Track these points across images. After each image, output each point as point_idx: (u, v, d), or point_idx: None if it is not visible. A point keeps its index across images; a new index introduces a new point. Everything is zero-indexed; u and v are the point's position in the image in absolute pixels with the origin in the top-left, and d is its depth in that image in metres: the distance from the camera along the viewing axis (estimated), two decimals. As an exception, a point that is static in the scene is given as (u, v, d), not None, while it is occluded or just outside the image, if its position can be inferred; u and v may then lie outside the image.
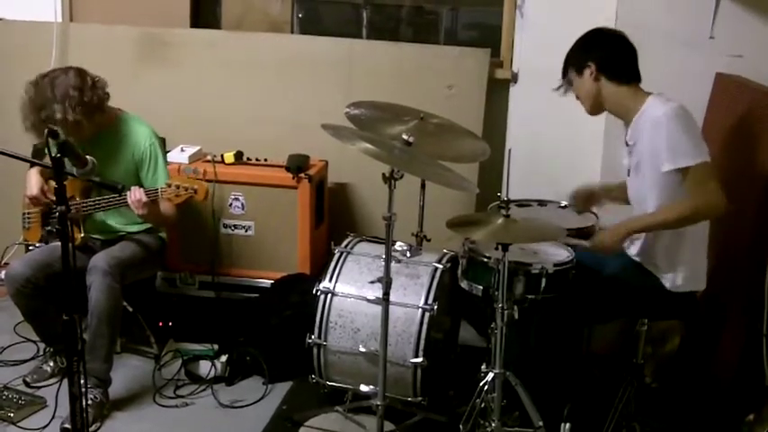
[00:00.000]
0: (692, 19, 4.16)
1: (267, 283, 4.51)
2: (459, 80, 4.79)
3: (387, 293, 3.25)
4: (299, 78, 4.96)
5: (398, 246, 3.82)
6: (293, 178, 4.44)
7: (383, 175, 3.15)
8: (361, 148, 3.06)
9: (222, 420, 3.89)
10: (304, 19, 5.34)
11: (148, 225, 4.15)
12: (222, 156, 4.60)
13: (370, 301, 3.65)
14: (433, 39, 5.23)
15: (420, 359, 3.59)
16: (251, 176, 4.52)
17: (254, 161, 4.66)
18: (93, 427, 3.71)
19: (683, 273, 3.34)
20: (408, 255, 3.82)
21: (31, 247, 4.11)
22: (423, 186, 4.04)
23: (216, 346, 4.27)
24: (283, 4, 5.33)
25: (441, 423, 3.69)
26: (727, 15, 4.11)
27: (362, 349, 3.65)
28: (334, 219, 4.91)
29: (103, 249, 3.99)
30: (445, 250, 3.90)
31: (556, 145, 4.69)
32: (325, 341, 3.71)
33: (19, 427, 3.69)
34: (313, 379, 3.81)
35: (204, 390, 4.09)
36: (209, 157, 4.60)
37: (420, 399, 3.66)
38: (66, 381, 2.84)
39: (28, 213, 4.14)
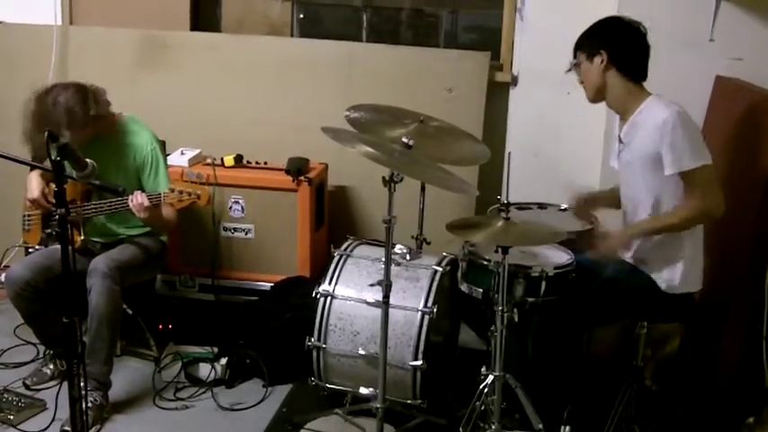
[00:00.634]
0: (692, 21, 4.16)
1: (267, 285, 4.51)
2: (459, 83, 4.79)
3: (387, 296, 3.25)
4: (299, 81, 4.96)
5: (398, 249, 3.82)
6: (293, 181, 4.44)
7: (383, 178, 3.16)
8: (361, 151, 3.06)
9: (222, 423, 3.89)
10: (304, 22, 5.35)
11: (148, 228, 4.15)
12: (222, 159, 4.60)
13: (370, 304, 3.65)
14: (432, 42, 5.24)
15: (419, 362, 3.59)
16: (251, 179, 4.53)
17: (253, 164, 4.66)
18: (92, 430, 3.71)
19: (679, 274, 3.34)
20: (408, 258, 3.82)
21: (30, 250, 4.11)
22: (423, 189, 4.05)
23: (216, 349, 4.27)
24: (283, 7, 5.34)
25: (440, 426, 3.69)
26: (728, 18, 4.11)
27: (362, 352, 3.65)
28: (334, 222, 4.91)
29: (103, 252, 3.99)
30: (445, 253, 3.91)
31: (556, 147, 4.69)
32: (325, 344, 3.71)
33: (19, 429, 3.68)
34: (312, 381, 3.81)
35: (204, 392, 4.09)
36: (208, 160, 4.60)
37: (419, 401, 3.66)
38: (66, 383, 2.84)
39: (28, 215, 4.14)
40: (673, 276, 3.35)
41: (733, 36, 4.13)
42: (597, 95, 3.44)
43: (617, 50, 3.35)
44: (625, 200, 3.52)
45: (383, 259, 3.30)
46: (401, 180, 3.17)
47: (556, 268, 3.33)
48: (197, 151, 4.66)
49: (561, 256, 3.47)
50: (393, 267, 3.52)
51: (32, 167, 3.91)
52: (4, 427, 3.69)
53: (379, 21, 5.29)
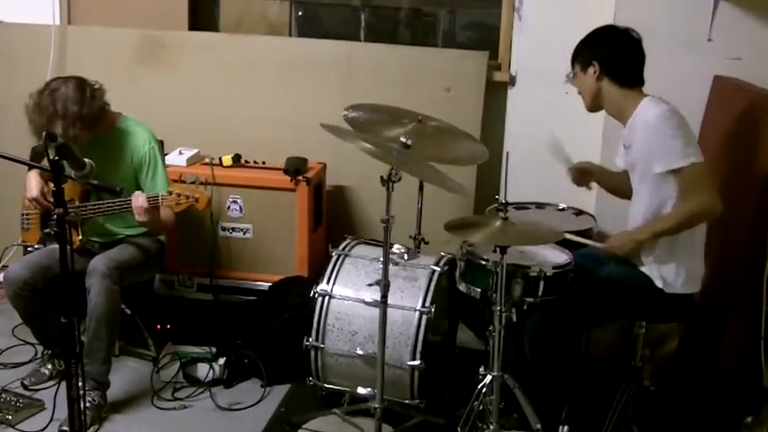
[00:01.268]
0: (691, 21, 4.16)
1: (265, 285, 4.51)
2: (457, 82, 4.79)
3: (385, 296, 3.25)
4: (298, 81, 4.95)
5: (396, 248, 3.82)
6: (291, 181, 4.44)
7: (381, 177, 3.16)
8: (361, 146, 3.06)
9: (220, 423, 3.88)
10: (302, 21, 5.34)
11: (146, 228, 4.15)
12: (220, 158, 4.60)
13: (368, 304, 3.66)
14: (431, 41, 5.23)
15: (417, 362, 3.59)
16: (249, 179, 4.52)
17: (252, 164, 4.66)
18: (91, 430, 3.71)
19: (679, 274, 3.34)
20: (406, 257, 3.83)
21: (29, 249, 4.11)
22: (421, 189, 4.05)
23: (214, 349, 4.27)
24: (281, 7, 5.33)
25: (439, 425, 3.69)
26: (726, 18, 4.11)
27: (360, 352, 3.65)
28: (333, 221, 4.91)
29: (102, 252, 3.99)
30: (443, 253, 3.91)
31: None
32: (323, 344, 3.71)
33: (17, 429, 3.68)
34: (310, 381, 3.81)
35: (202, 392, 4.09)
36: (207, 160, 4.60)
37: (417, 401, 3.66)
38: (64, 383, 2.84)
39: (27, 215, 4.14)
40: (672, 277, 3.35)
41: (731, 36, 4.13)
42: (594, 104, 3.47)
43: (608, 60, 3.38)
44: (633, 204, 3.52)
45: (381, 259, 3.30)
46: (399, 179, 3.17)
47: (554, 268, 3.33)
48: (195, 151, 4.66)
49: (559, 256, 3.46)
50: (391, 267, 3.52)
51: (31, 167, 3.91)
52: (3, 428, 3.69)
53: (377, 20, 5.28)
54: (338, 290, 3.75)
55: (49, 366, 4.14)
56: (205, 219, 4.49)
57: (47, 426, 3.67)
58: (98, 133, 3.93)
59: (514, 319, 3.27)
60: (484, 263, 3.36)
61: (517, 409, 3.36)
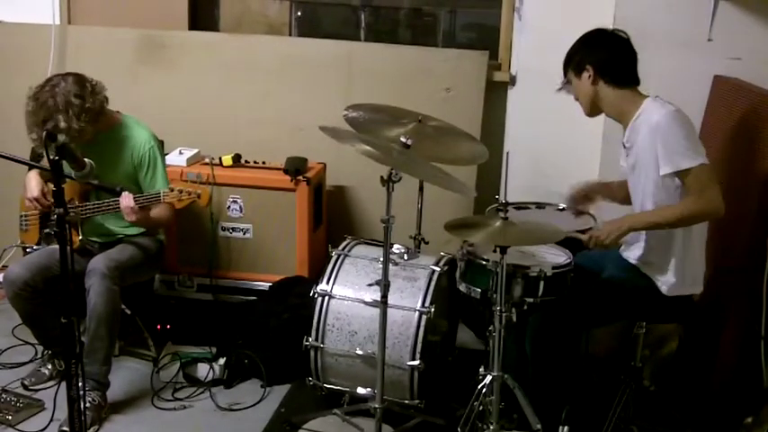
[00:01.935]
0: (691, 21, 4.16)
1: (265, 285, 4.51)
2: (457, 82, 4.79)
3: (385, 296, 3.25)
4: (298, 81, 4.95)
5: (396, 248, 3.82)
6: (291, 181, 4.44)
7: (381, 177, 3.16)
8: (360, 149, 3.06)
9: (220, 423, 3.88)
10: (302, 21, 5.34)
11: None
12: (220, 158, 4.60)
13: (368, 304, 3.66)
14: (431, 41, 5.23)
15: (417, 362, 3.59)
16: (249, 179, 4.52)
17: (252, 164, 4.66)
18: (91, 430, 3.70)
19: (679, 276, 3.34)
20: (406, 257, 3.83)
21: (28, 249, 4.11)
22: (421, 189, 4.05)
23: (214, 349, 4.27)
24: (281, 6, 5.33)
25: (439, 426, 3.69)
26: (726, 18, 4.11)
27: (359, 352, 3.65)
28: (333, 222, 4.91)
29: (102, 252, 3.99)
30: (443, 253, 3.91)
31: (554, 147, 4.69)
32: (323, 344, 3.72)
33: (17, 429, 3.68)
34: (310, 381, 3.81)
35: (202, 392, 4.09)
36: (207, 160, 4.60)
37: (417, 401, 3.66)
38: (64, 383, 2.84)
39: (26, 215, 4.14)
40: (673, 278, 3.34)
41: (731, 36, 4.12)
42: (593, 109, 3.46)
43: (602, 62, 3.37)
44: (633, 203, 3.52)
45: (381, 259, 3.30)
46: (399, 180, 3.17)
47: (554, 268, 3.32)
48: (195, 151, 4.66)
49: (560, 257, 3.46)
50: (391, 267, 3.52)
51: (31, 167, 3.91)
52: (3, 428, 3.68)
53: (377, 20, 5.29)
54: (338, 290, 3.75)
55: (49, 366, 4.14)
56: (205, 219, 4.49)
57: (47, 426, 3.67)
58: (98, 131, 3.93)
59: (514, 319, 3.26)
60: (484, 263, 3.35)
61: (517, 410, 3.36)
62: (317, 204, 4.64)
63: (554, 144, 4.68)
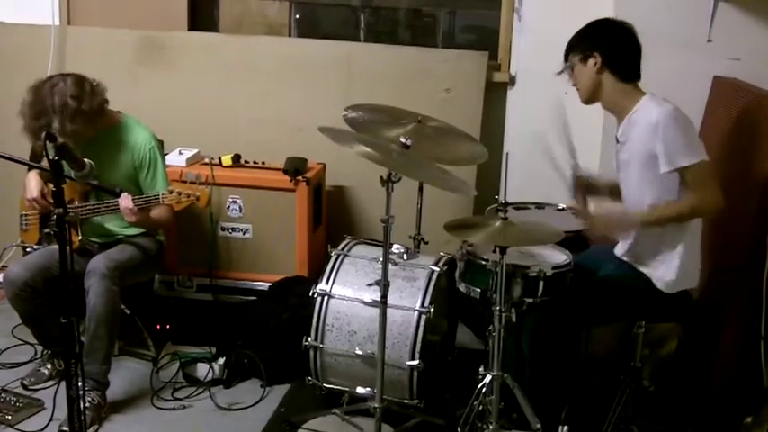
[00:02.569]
0: (690, 22, 4.16)
1: (265, 285, 4.51)
2: (456, 83, 4.80)
3: (384, 296, 3.25)
4: (297, 81, 4.96)
5: (395, 248, 3.83)
6: (291, 181, 4.44)
7: (381, 178, 3.16)
8: (359, 151, 3.06)
9: (220, 423, 3.88)
10: (301, 22, 5.34)
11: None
12: (220, 158, 4.61)
13: (367, 304, 3.66)
14: (430, 42, 5.24)
15: (416, 361, 3.59)
16: (249, 179, 4.53)
17: (251, 164, 4.66)
18: (90, 430, 3.70)
19: (675, 271, 3.33)
20: (405, 257, 3.83)
21: (28, 249, 4.12)
22: (420, 189, 4.05)
23: (214, 349, 4.27)
24: (281, 7, 5.34)
25: (438, 425, 3.69)
26: (725, 18, 4.11)
27: (359, 352, 3.66)
28: (332, 222, 4.92)
29: (101, 252, 3.99)
30: (442, 253, 3.91)
31: (554, 148, 4.68)
32: (322, 343, 3.72)
33: (17, 429, 3.68)
34: (310, 381, 3.82)
35: (202, 392, 4.09)
36: (206, 160, 4.61)
37: (417, 401, 3.66)
38: (63, 383, 2.84)
39: (26, 215, 4.14)
40: (669, 274, 3.34)
41: (731, 36, 4.12)
42: (591, 97, 3.44)
43: (610, 52, 3.35)
44: (624, 200, 3.52)
45: (380, 259, 3.30)
46: (399, 180, 3.17)
47: (554, 268, 3.33)
48: (195, 151, 4.67)
49: (559, 257, 3.46)
50: (390, 267, 3.52)
51: (30, 167, 3.91)
52: (2, 427, 3.68)
53: (376, 21, 5.29)
54: (337, 290, 3.76)
55: (49, 366, 4.14)
56: (205, 219, 4.50)
57: (46, 426, 3.67)
58: (97, 131, 3.93)
59: (514, 319, 3.27)
60: (483, 263, 3.36)
61: (517, 409, 3.36)
62: (316, 204, 4.64)
63: (554, 144, 4.67)
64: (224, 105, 5.02)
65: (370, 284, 3.65)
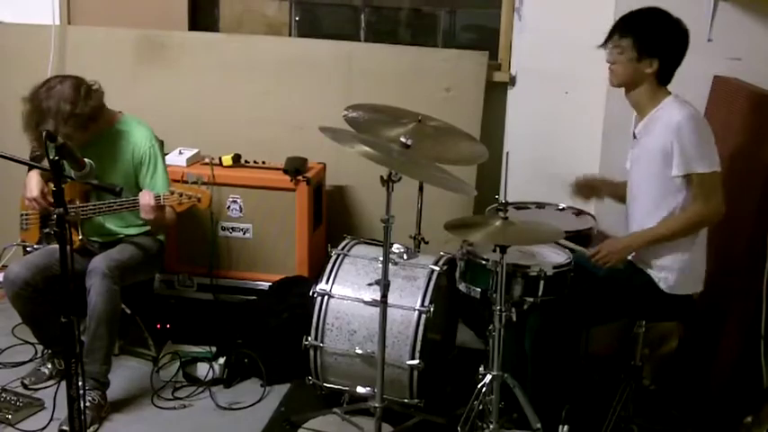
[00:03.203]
0: (691, 22, 4.12)
1: (265, 285, 4.51)
2: (457, 83, 4.79)
3: (385, 296, 3.26)
4: (298, 81, 4.95)
5: (395, 248, 3.83)
6: (291, 181, 4.44)
7: (381, 177, 3.16)
8: (359, 150, 3.06)
9: (220, 422, 3.89)
10: (302, 21, 5.34)
11: (147, 228, 4.14)
12: (220, 158, 4.60)
13: (367, 303, 3.66)
14: (431, 41, 5.23)
15: (416, 361, 3.59)
16: (249, 179, 4.53)
17: (252, 164, 4.66)
18: (91, 429, 3.70)
19: (680, 275, 3.34)
20: (405, 257, 3.83)
21: (28, 249, 4.11)
22: (421, 189, 4.05)
23: (214, 349, 4.26)
24: (281, 7, 5.33)
25: (438, 425, 3.69)
26: (726, 18, 4.11)
27: (359, 351, 3.66)
28: (333, 221, 4.91)
29: (102, 252, 3.99)
30: (442, 253, 3.91)
31: (553, 147, 4.69)
32: (322, 343, 3.72)
33: (17, 429, 3.69)
34: (310, 381, 3.82)
35: (202, 392, 4.09)
36: (207, 160, 4.61)
37: (417, 401, 3.66)
38: (64, 383, 2.84)
39: (26, 214, 4.14)
40: (673, 277, 3.35)
41: (731, 36, 4.13)
42: (625, 86, 3.40)
43: (669, 63, 3.32)
44: (628, 197, 3.52)
45: (380, 258, 3.30)
46: (399, 179, 3.17)
47: (554, 268, 3.33)
48: (195, 151, 4.66)
49: (559, 256, 3.46)
50: (390, 267, 3.52)
51: (31, 167, 3.91)
52: (3, 427, 3.69)
53: (377, 20, 5.28)
54: (337, 289, 3.76)
55: (49, 366, 4.14)
56: (205, 218, 4.50)
57: (47, 425, 3.67)
58: (95, 133, 3.93)
59: (514, 318, 3.27)
60: (484, 262, 3.36)
61: (517, 409, 3.36)
62: (316, 204, 4.64)
63: (554, 144, 4.68)
64: (224, 105, 5.02)
65: (370, 284, 3.65)
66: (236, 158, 4.62)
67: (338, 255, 3.89)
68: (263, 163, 4.66)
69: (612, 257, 3.36)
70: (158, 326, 4.41)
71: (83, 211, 3.92)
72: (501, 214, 3.20)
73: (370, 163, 3.05)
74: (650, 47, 3.30)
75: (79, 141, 3.79)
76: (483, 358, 3.45)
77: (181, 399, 4.03)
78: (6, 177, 4.62)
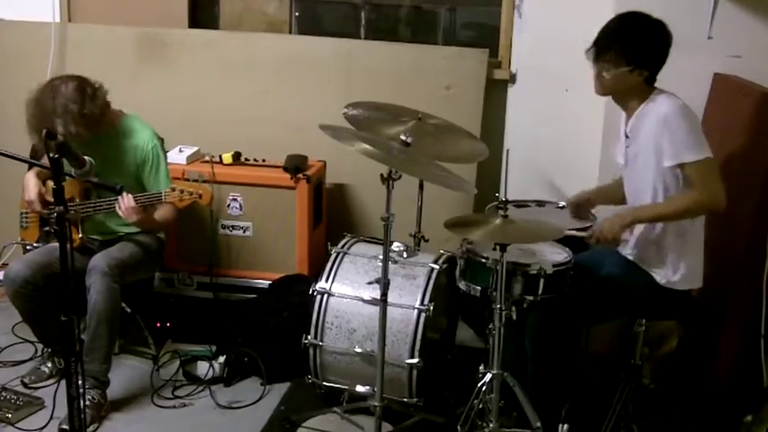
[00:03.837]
0: (691, 19, 4.15)
1: (265, 283, 4.51)
2: (457, 80, 4.79)
3: (385, 294, 3.25)
4: (298, 78, 4.95)
5: (395, 246, 3.82)
6: (291, 179, 4.44)
7: (381, 175, 3.16)
8: (360, 148, 3.06)
9: (220, 421, 3.89)
10: (302, 19, 5.34)
11: (146, 226, 4.15)
12: (220, 156, 4.60)
13: (367, 302, 3.66)
14: (431, 39, 5.23)
15: (416, 360, 3.59)
16: (249, 177, 4.53)
17: (252, 162, 4.66)
18: (91, 428, 3.71)
19: (678, 270, 3.34)
20: (405, 255, 3.83)
21: (28, 247, 4.11)
22: (421, 187, 4.05)
23: (214, 347, 4.27)
24: (281, 4, 5.33)
25: (438, 424, 3.69)
26: (726, 16, 4.10)
27: (358, 350, 3.66)
28: (333, 219, 4.91)
29: (102, 250, 3.99)
30: (442, 251, 3.91)
31: (554, 145, 4.69)
32: (322, 342, 3.72)
33: (17, 428, 3.69)
34: (309, 379, 3.81)
35: (202, 390, 4.09)
36: (207, 158, 4.60)
37: (416, 399, 3.66)
38: (64, 381, 2.84)
39: (26, 213, 4.14)
40: (672, 273, 3.34)
41: (731, 34, 4.12)
42: (609, 93, 3.41)
43: (656, 68, 3.34)
44: (629, 195, 3.52)
45: (380, 257, 3.30)
46: (399, 177, 3.17)
47: (554, 266, 3.32)
48: (195, 149, 4.66)
49: (559, 254, 3.46)
50: (390, 265, 3.51)
51: (30, 165, 3.91)
52: (3, 426, 3.69)
53: (377, 18, 5.28)
54: (337, 288, 3.75)
55: (49, 365, 4.14)
56: (205, 217, 4.50)
57: (47, 424, 3.67)
58: (100, 131, 3.93)
59: (514, 317, 3.26)
60: (484, 261, 3.35)
61: (517, 408, 3.35)
62: (316, 202, 4.64)
63: (554, 141, 4.67)
64: (224, 103, 5.02)
65: (369, 282, 3.65)
66: (237, 156, 4.62)
67: (338, 253, 3.88)
68: (264, 161, 4.66)
69: (608, 231, 3.36)
70: (158, 324, 4.41)
71: (83, 209, 3.92)
72: (501, 212, 3.19)
73: (370, 161, 3.05)
74: (639, 57, 3.31)
75: (86, 139, 3.80)
76: (483, 357, 3.45)
77: (181, 398, 4.03)
78: (7, 175, 4.62)
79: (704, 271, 3.42)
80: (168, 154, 4.48)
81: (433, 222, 3.83)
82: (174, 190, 3.88)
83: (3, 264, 4.23)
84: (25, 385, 4.03)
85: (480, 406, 3.29)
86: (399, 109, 3.70)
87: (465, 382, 3.56)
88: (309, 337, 3.73)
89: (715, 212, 3.32)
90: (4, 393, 3.88)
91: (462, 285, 3.47)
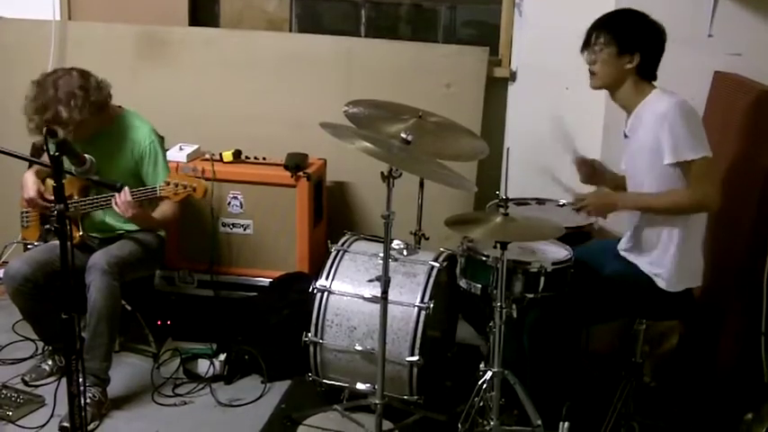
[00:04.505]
0: (691, 17, 4.15)
1: (266, 281, 4.51)
2: (457, 78, 4.79)
3: (385, 292, 3.25)
4: (298, 76, 4.95)
5: (396, 244, 3.82)
6: (292, 177, 4.44)
7: (382, 173, 3.16)
8: (360, 146, 3.06)
9: (221, 419, 3.89)
10: (302, 17, 5.34)
11: (146, 224, 4.15)
12: (221, 154, 4.60)
13: (367, 300, 3.66)
14: (431, 37, 5.22)
15: (416, 357, 3.59)
16: (249, 175, 4.52)
17: (252, 160, 4.65)
18: (91, 426, 3.71)
19: (678, 270, 3.33)
20: (405, 253, 3.83)
21: (29, 246, 4.12)
22: (421, 185, 4.04)
23: (214, 345, 4.27)
24: (282, 2, 5.33)
25: (439, 422, 3.69)
26: (726, 14, 4.11)
27: (359, 347, 3.66)
28: (333, 217, 4.91)
29: (102, 248, 3.99)
30: (442, 249, 3.91)
31: (554, 143, 4.68)
32: (322, 339, 3.72)
33: (17, 425, 3.69)
34: (310, 377, 3.82)
35: (203, 388, 4.09)
36: (207, 156, 4.60)
37: (417, 397, 3.66)
38: (64, 379, 2.84)
39: (26, 212, 4.14)
40: (670, 274, 3.34)
41: (731, 32, 4.12)
42: (607, 87, 3.41)
43: (650, 55, 3.33)
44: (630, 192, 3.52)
45: (380, 255, 3.30)
46: (400, 175, 3.17)
47: (554, 264, 3.32)
48: (195, 147, 4.66)
49: (560, 252, 3.46)
50: (390, 263, 3.51)
51: (30, 163, 3.91)
52: (3, 424, 3.69)
53: (377, 16, 5.28)
54: (337, 285, 3.75)
55: (50, 362, 4.14)
56: (206, 214, 4.49)
57: (47, 422, 3.67)
58: (99, 128, 3.93)
59: (515, 315, 3.26)
60: (484, 259, 3.35)
61: (518, 406, 3.35)
62: (317, 200, 4.63)
63: (554, 140, 4.66)
64: (225, 101, 5.01)
65: (370, 280, 3.64)
66: (237, 154, 4.62)
67: (338, 251, 3.88)
68: (264, 159, 4.65)
69: (594, 207, 3.39)
70: (159, 322, 4.42)
71: (82, 206, 3.92)
72: (501, 210, 3.19)
73: (370, 159, 3.05)
74: (630, 41, 3.32)
75: (90, 130, 3.80)
76: (483, 355, 3.44)
77: (181, 395, 4.03)
78: (7, 174, 4.62)
79: (704, 270, 3.42)
80: (168, 152, 4.48)
81: (434, 220, 3.83)
82: (168, 184, 3.87)
83: (3, 262, 4.23)
84: (26, 383, 4.03)
85: (481, 404, 3.29)
86: (400, 107, 3.70)
87: (466, 379, 3.56)
88: (310, 334, 3.73)
89: (706, 211, 3.32)
90: (4, 391, 3.88)
91: (463, 283, 3.47)
